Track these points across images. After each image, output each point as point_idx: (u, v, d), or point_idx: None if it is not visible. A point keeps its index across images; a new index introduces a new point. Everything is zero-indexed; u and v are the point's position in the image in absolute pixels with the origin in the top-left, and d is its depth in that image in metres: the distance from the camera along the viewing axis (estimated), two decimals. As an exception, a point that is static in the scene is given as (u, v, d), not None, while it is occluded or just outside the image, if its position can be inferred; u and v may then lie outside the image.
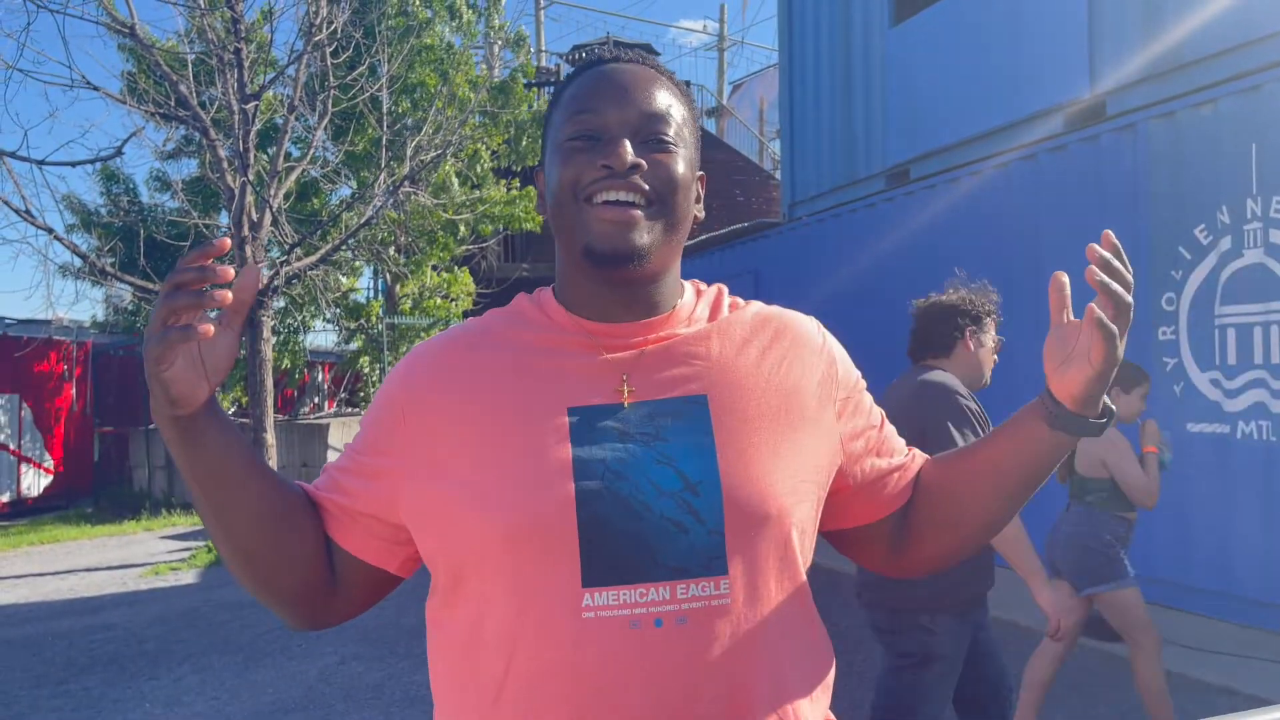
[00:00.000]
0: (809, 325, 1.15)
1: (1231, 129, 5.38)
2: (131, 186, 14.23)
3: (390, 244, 13.05)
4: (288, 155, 10.56)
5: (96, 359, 16.20)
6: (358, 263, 14.08)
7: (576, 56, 21.06)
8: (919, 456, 1.20)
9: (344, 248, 11.03)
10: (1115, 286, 0.98)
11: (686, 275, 1.13)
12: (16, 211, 8.59)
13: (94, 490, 15.55)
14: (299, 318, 14.00)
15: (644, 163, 1.00)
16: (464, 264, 14.91)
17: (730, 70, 26.78)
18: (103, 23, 9.11)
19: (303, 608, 1.07)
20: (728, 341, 1.06)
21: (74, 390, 15.68)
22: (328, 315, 13.85)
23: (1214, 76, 5.73)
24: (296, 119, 10.46)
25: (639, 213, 0.99)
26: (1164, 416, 5.73)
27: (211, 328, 0.88)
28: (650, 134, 1.02)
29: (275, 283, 9.65)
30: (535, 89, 15.49)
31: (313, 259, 10.08)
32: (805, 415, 1.06)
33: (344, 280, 14.29)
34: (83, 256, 9.58)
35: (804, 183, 10.17)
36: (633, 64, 1.06)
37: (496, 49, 15.29)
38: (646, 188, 1.00)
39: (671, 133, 1.02)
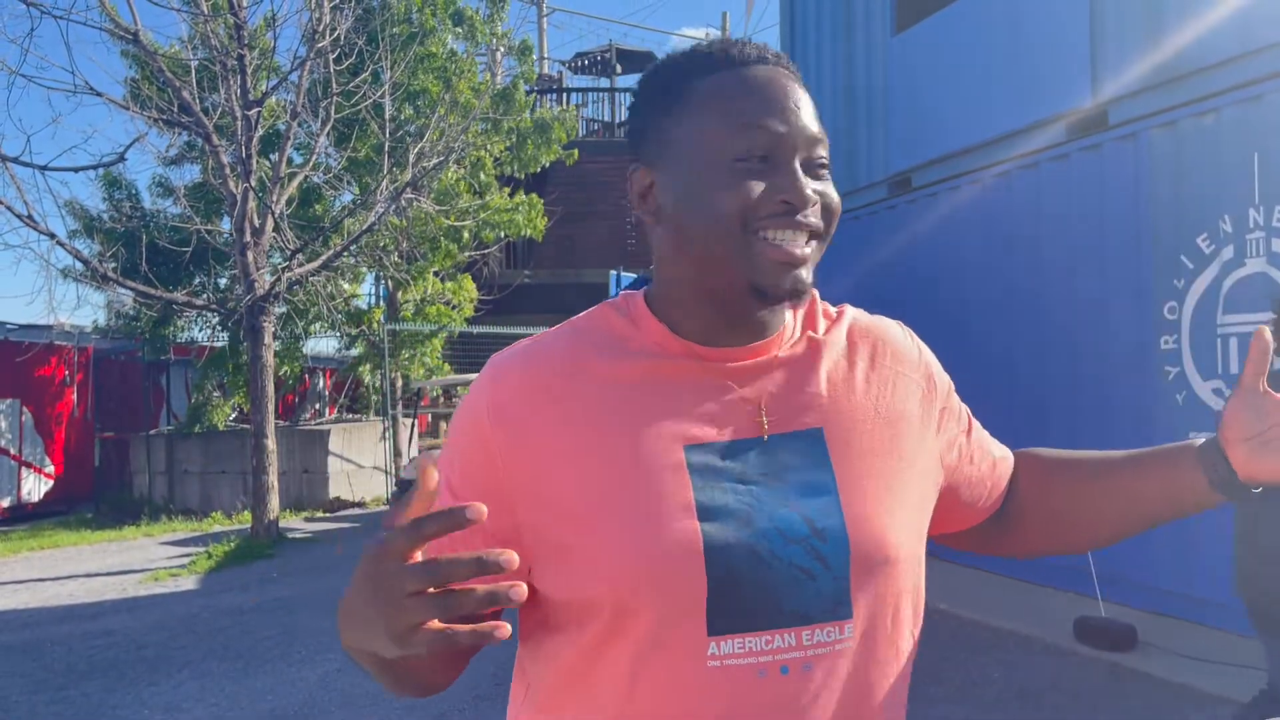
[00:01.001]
0: (902, 335, 1.09)
1: (1233, 138, 5.38)
2: (134, 192, 14.26)
3: (392, 250, 13.06)
4: (290, 161, 10.58)
5: (98, 364, 16.20)
6: (360, 269, 14.09)
7: (579, 63, 21.09)
8: (1009, 456, 1.17)
9: (346, 254, 11.04)
10: None
11: None
12: (19, 216, 8.60)
13: (94, 495, 15.54)
14: (300, 324, 14.02)
15: (817, 197, 0.93)
16: (466, 271, 14.92)
17: (732, 78, 26.77)
18: (106, 29, 9.14)
19: (445, 682, 0.98)
20: (833, 364, 1.00)
21: (75, 395, 15.69)
22: (329, 321, 13.86)
23: (1216, 86, 5.74)
24: (299, 125, 10.48)
25: (809, 250, 0.93)
26: (1166, 426, 5.73)
27: (508, 627, 0.72)
28: (815, 159, 0.94)
29: (277, 289, 9.65)
30: (537, 95, 15.51)
31: (315, 265, 10.08)
32: (914, 444, 1.02)
33: (346, 286, 14.30)
34: (85, 261, 9.61)
35: (806, 190, 10.19)
36: (779, 67, 0.96)
37: (499, 56, 15.32)
38: (818, 223, 0.94)
39: (826, 154, 0.95)
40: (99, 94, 8.96)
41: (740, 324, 0.96)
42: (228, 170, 9.48)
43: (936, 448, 1.05)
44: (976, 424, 1.15)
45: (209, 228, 11.38)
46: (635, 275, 12.57)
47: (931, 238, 7.72)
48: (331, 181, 12.45)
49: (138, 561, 9.79)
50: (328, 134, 10.54)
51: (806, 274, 0.93)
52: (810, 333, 1.02)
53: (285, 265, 9.93)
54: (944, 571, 7.17)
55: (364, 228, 10.24)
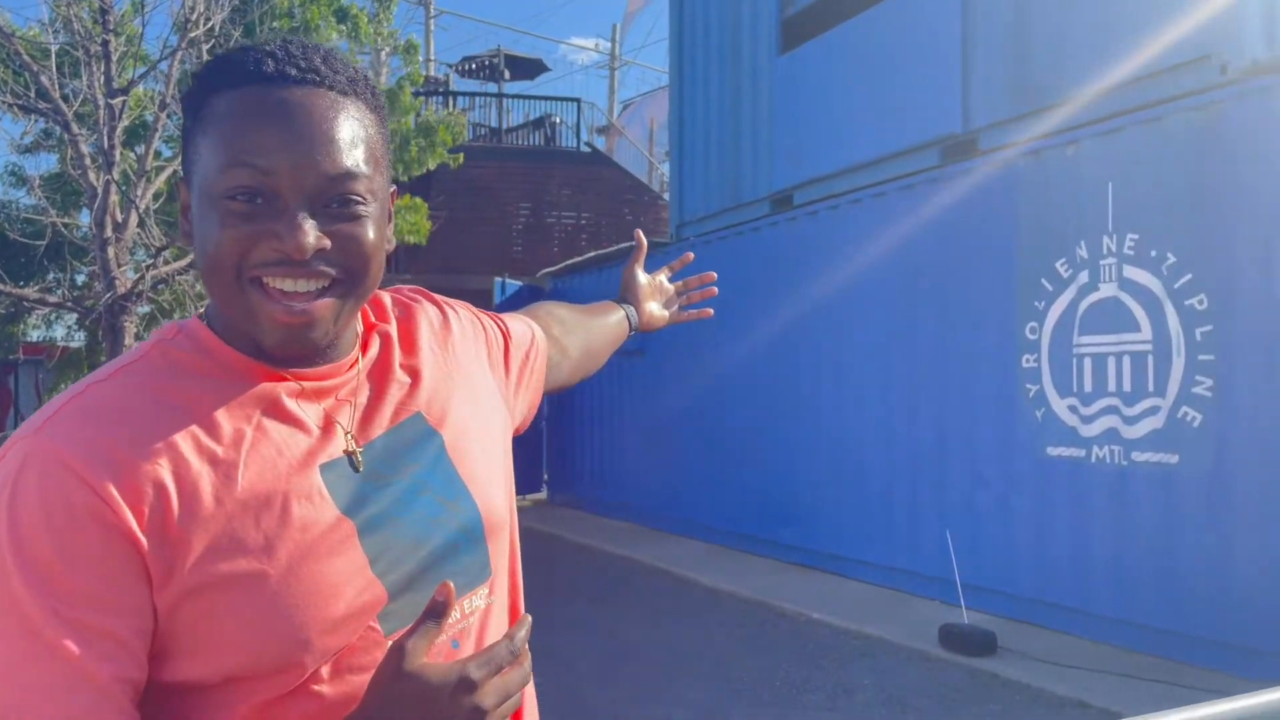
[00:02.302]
0: (439, 303, 1.14)
1: (1092, 169, 5.69)
2: (-17, 180, 13.37)
3: (267, 250, 12.60)
4: (158, 154, 10.11)
5: (-62, 363, 15.15)
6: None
7: (466, 67, 20.85)
8: (534, 330, 1.32)
9: (217, 253, 10.59)
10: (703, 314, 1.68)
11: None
12: None
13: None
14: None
15: (329, 241, 0.85)
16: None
17: (621, 89, 27.02)
18: (-44, 5, 8.54)
19: None
20: (412, 351, 1.03)
21: (-89, 396, 14.61)
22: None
23: (1077, 119, 6.07)
24: (168, 117, 10.01)
25: (323, 303, 0.86)
26: (1026, 440, 6.00)
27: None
28: (336, 196, 0.85)
29: (140, 287, 9.19)
30: (423, 98, 15.25)
31: (182, 263, 9.66)
32: (487, 396, 1.10)
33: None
34: (-75, 253, 8.93)
35: (692, 204, 10.30)
36: (309, 86, 0.85)
37: (384, 55, 15.00)
38: (333, 271, 0.86)
39: (363, 189, 0.87)
40: (-54, 74, 8.36)
41: (309, 356, 0.92)
42: (88, 161, 8.99)
43: (496, 382, 1.15)
44: (506, 323, 1.25)
45: (66, 221, 10.76)
46: (520, 283, 12.48)
47: (812, 254, 7.91)
48: (203, 177, 11.93)
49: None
50: (200, 127, 10.11)
51: (321, 333, 0.87)
52: (383, 325, 1.02)
53: (149, 263, 9.46)
54: (820, 582, 7.35)
55: (237, 226, 9.85)
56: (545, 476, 12.95)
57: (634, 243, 1.65)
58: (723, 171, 9.76)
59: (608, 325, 1.54)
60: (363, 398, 0.95)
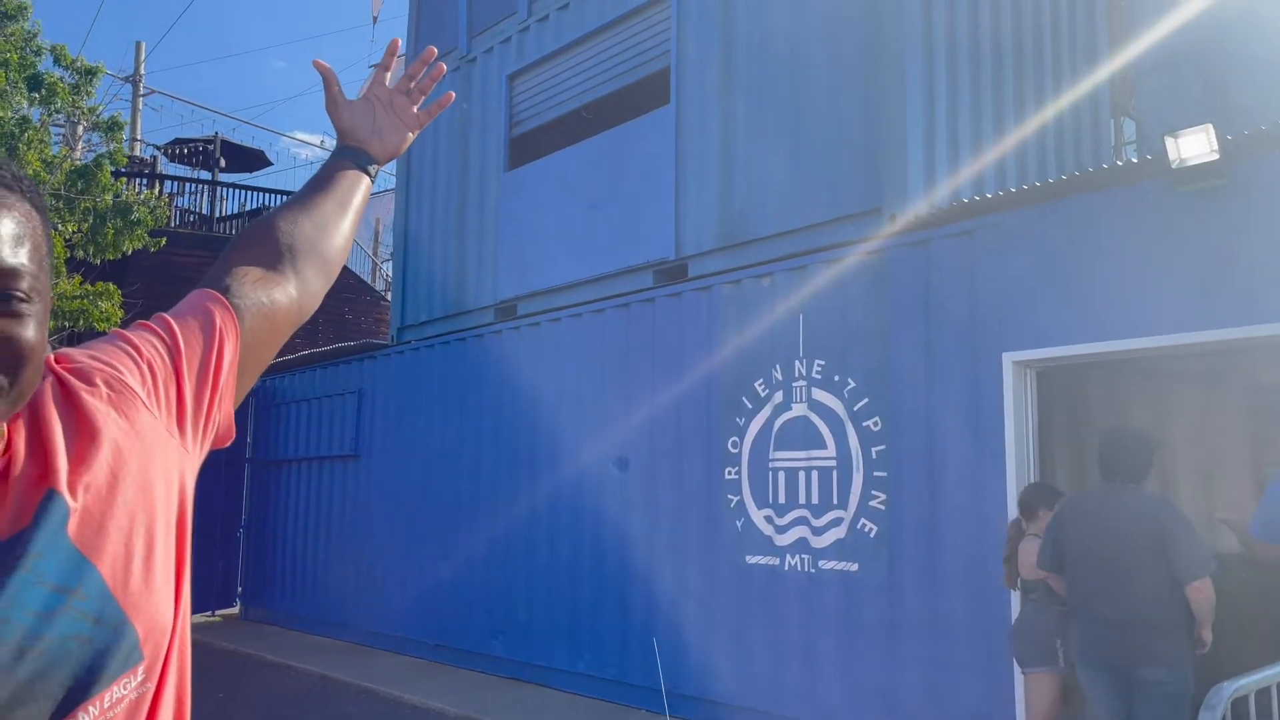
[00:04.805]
0: (116, 356, 1.02)
1: (785, 300, 6.29)
2: None
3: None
4: None
5: None
6: None
7: (178, 150, 19.70)
8: (227, 332, 1.13)
9: None
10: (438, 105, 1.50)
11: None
12: None
13: None
14: None
15: None
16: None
17: (346, 189, 26.43)
18: None
19: None
20: (67, 424, 0.93)
21: None
22: None
23: (772, 254, 6.71)
24: None
25: None
26: (727, 549, 6.34)
27: None
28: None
29: None
30: (125, 178, 14.21)
31: None
32: (161, 455, 0.98)
33: None
34: None
35: (415, 308, 10.21)
36: None
37: (80, 129, 13.87)
38: None
39: (27, 287, 0.86)
40: None
41: None
42: None
43: (167, 420, 1.02)
44: (178, 336, 1.08)
45: None
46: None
47: (533, 361, 8.07)
48: None
49: None
50: None
51: None
52: (48, 409, 0.93)
53: None
54: (530, 695, 7.24)
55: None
56: (240, 590, 11.95)
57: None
58: (447, 278, 9.79)
59: (346, 206, 1.36)
60: (14, 482, 0.87)
